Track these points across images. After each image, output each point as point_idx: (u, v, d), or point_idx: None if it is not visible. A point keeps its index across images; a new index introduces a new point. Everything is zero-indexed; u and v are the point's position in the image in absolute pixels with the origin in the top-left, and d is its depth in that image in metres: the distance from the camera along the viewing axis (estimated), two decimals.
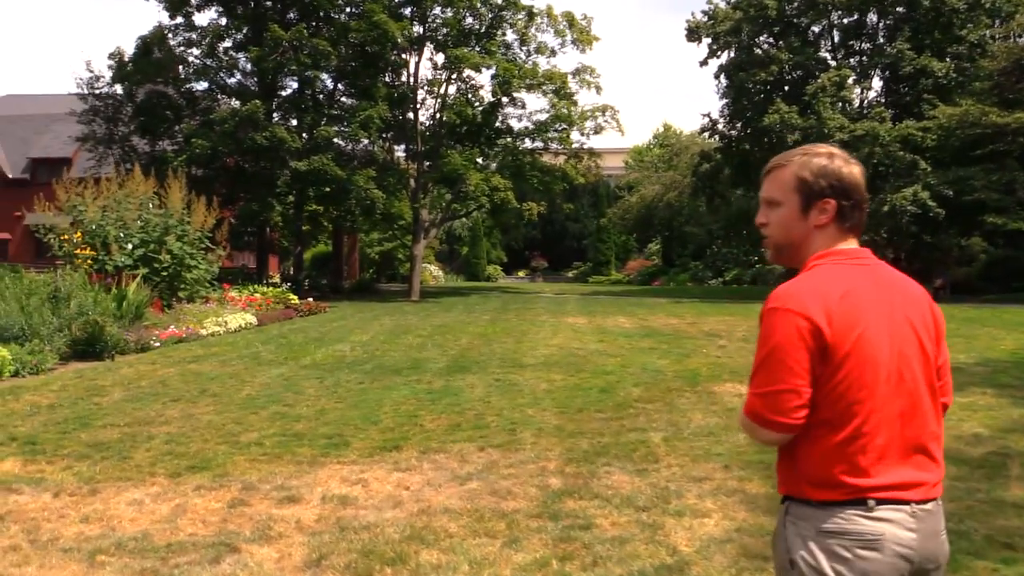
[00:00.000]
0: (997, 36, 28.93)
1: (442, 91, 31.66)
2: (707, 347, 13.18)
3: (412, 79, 31.48)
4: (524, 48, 32.18)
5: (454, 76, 31.37)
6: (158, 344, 13.15)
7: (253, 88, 28.86)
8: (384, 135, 31.34)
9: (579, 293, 33.93)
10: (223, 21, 29.19)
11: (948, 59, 28.13)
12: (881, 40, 30.24)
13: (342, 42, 27.99)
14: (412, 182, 31.10)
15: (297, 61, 26.76)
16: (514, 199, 30.78)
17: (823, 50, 31.59)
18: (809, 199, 1.99)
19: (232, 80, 29.77)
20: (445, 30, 30.48)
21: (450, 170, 28.93)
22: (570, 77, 31.92)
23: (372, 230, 39.89)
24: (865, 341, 1.87)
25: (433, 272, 47.05)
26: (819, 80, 27.78)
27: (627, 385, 9.44)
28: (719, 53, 32.02)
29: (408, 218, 33.04)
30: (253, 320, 17.17)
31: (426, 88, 31.95)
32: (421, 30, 30.90)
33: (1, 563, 4.21)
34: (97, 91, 28.43)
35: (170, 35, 28.67)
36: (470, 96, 31.73)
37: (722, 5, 31.78)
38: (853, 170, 2.01)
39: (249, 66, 28.64)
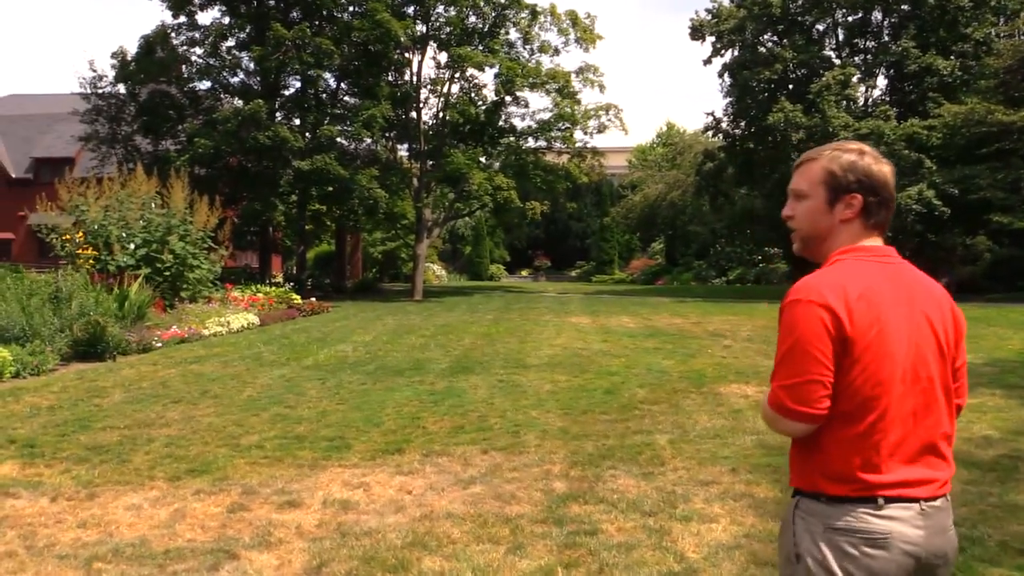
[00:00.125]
0: (1002, 34, 28.78)
1: (445, 90, 31.56)
2: (712, 347, 13.09)
3: (415, 78, 31.40)
4: (527, 47, 32.04)
5: (457, 75, 31.27)
6: (160, 344, 13.09)
7: (256, 87, 28.78)
8: (387, 134, 31.24)
9: (582, 292, 33.82)
10: (226, 20, 29.11)
11: (953, 57, 27.96)
12: (886, 38, 30.08)
13: (345, 41, 27.90)
14: (415, 181, 31.01)
15: (300, 60, 26.67)
16: (517, 198, 30.68)
17: (828, 48, 31.44)
18: (836, 193, 2.03)
19: (235, 79, 29.68)
20: (448, 29, 30.37)
21: (453, 169, 28.84)
22: (573, 76, 31.79)
23: (375, 229, 39.79)
24: (883, 337, 1.89)
25: (436, 271, 46.96)
26: (824, 78, 27.63)
27: (632, 386, 9.35)
28: (723, 51, 31.86)
29: (411, 217, 32.94)
30: (255, 320, 17.11)
31: (429, 87, 31.87)
32: (424, 29, 30.81)
33: None
34: (100, 91, 28.36)
35: (173, 34, 28.57)
36: (473, 95, 31.62)
37: (726, 3, 31.63)
38: (883, 168, 2.04)
39: (252, 65, 28.55)
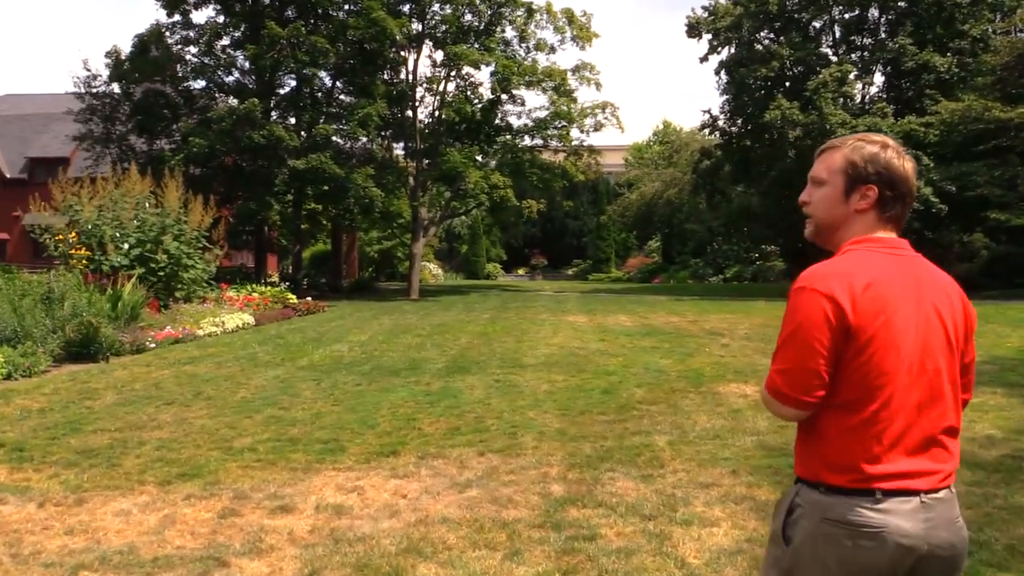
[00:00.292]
0: (999, 31, 28.71)
1: (441, 88, 31.50)
2: (710, 346, 13.00)
3: (411, 76, 31.30)
4: (523, 45, 31.99)
5: (453, 73, 31.20)
6: (154, 345, 12.98)
7: (251, 86, 28.63)
8: (383, 133, 31.12)
9: (579, 291, 33.73)
10: (220, 19, 28.96)
11: (950, 54, 27.86)
12: (883, 35, 30.01)
13: (340, 39, 27.77)
14: (411, 180, 30.91)
15: (294, 59, 26.53)
16: (513, 197, 30.60)
17: (824, 45, 31.34)
18: (854, 182, 2.04)
19: (230, 78, 29.54)
20: (444, 27, 30.29)
21: (449, 168, 28.74)
22: (569, 74, 31.72)
23: (371, 228, 39.69)
24: (889, 328, 1.90)
25: (432, 270, 46.85)
26: (820, 76, 27.53)
27: (630, 386, 9.26)
28: (719, 49, 31.77)
29: (407, 216, 32.84)
30: (251, 320, 17.00)
31: (425, 85, 31.79)
32: (420, 27, 30.72)
33: None
34: (94, 90, 28.19)
35: (167, 33, 28.43)
36: (469, 93, 31.54)
37: (723, 1, 31.54)
38: (905, 164, 2.05)
39: (247, 64, 28.43)
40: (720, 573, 4.02)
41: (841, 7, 30.10)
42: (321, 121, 27.75)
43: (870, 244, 2.01)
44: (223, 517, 4.90)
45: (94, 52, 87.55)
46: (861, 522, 1.87)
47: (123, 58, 27.70)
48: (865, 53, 30.45)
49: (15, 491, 5.41)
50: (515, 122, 32.67)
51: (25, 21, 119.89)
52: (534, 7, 31.11)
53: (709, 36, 31.50)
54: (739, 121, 31.95)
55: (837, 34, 31.33)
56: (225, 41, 29.21)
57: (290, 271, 32.49)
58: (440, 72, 31.39)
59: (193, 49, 29.08)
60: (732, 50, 31.57)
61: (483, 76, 60.07)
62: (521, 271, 54.20)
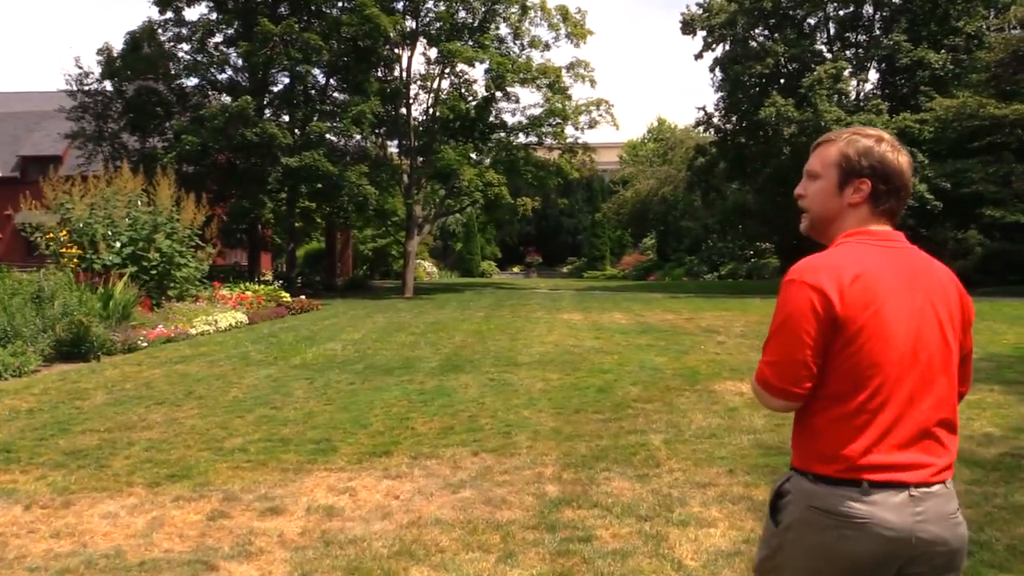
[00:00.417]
0: (993, 27, 28.68)
1: (435, 86, 31.38)
2: (705, 344, 12.94)
3: (405, 74, 31.18)
4: (518, 42, 31.86)
5: (447, 71, 31.07)
6: (145, 344, 12.88)
7: (244, 84, 28.51)
8: (377, 130, 31.00)
9: (574, 289, 33.65)
10: (213, 16, 28.81)
11: (945, 51, 27.86)
12: (877, 32, 30.00)
13: (334, 36, 27.65)
14: (405, 178, 30.81)
15: (287, 56, 26.39)
16: (508, 194, 30.49)
17: (819, 42, 31.34)
18: (847, 176, 2.04)
19: (223, 76, 29.42)
20: (438, 24, 30.17)
21: (443, 165, 28.63)
22: (564, 71, 31.58)
23: (365, 227, 39.57)
24: (879, 319, 1.90)
25: (427, 268, 46.74)
26: (815, 73, 27.50)
27: (625, 384, 9.19)
28: (714, 46, 31.73)
29: (401, 214, 32.73)
30: (244, 319, 16.89)
31: (419, 83, 31.67)
32: (414, 24, 30.60)
33: None
34: (86, 87, 28.03)
35: (160, 31, 28.25)
36: (463, 91, 31.43)
37: None
38: (899, 158, 2.05)
39: (240, 61, 28.29)
40: (718, 575, 3.95)
41: (836, 4, 30.13)
42: (315, 119, 27.63)
43: (862, 237, 2.01)
44: (212, 519, 4.82)
45: (86, 50, 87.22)
46: (846, 512, 1.87)
47: (115, 55, 27.51)
48: (860, 50, 30.45)
49: (1, 493, 5.32)
50: (509, 119, 32.60)
51: (16, 19, 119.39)
52: (528, 4, 30.99)
53: (704, 33, 31.47)
54: (734, 118, 31.93)
55: (832, 31, 31.32)
56: (218, 38, 29.07)
57: (284, 269, 32.36)
58: (434, 69, 31.32)
59: (186, 46, 28.95)
60: (727, 47, 31.54)
61: (477, 73, 60.04)
62: (516, 269, 54.13)
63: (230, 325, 15.96)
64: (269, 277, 29.61)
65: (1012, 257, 28.29)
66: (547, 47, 32.22)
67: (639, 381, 9.38)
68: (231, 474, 5.74)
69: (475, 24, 30.85)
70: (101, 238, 15.56)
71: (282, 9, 28.70)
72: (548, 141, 32.63)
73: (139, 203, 16.87)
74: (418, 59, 40.22)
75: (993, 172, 24.41)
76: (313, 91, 29.76)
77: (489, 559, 4.16)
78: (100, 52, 27.69)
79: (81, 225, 15.76)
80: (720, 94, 32.31)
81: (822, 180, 2.08)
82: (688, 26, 31.75)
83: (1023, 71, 25.12)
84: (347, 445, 6.52)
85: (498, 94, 31.23)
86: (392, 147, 33.29)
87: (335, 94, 30.55)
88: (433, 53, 30.85)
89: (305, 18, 28.60)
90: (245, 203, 26.44)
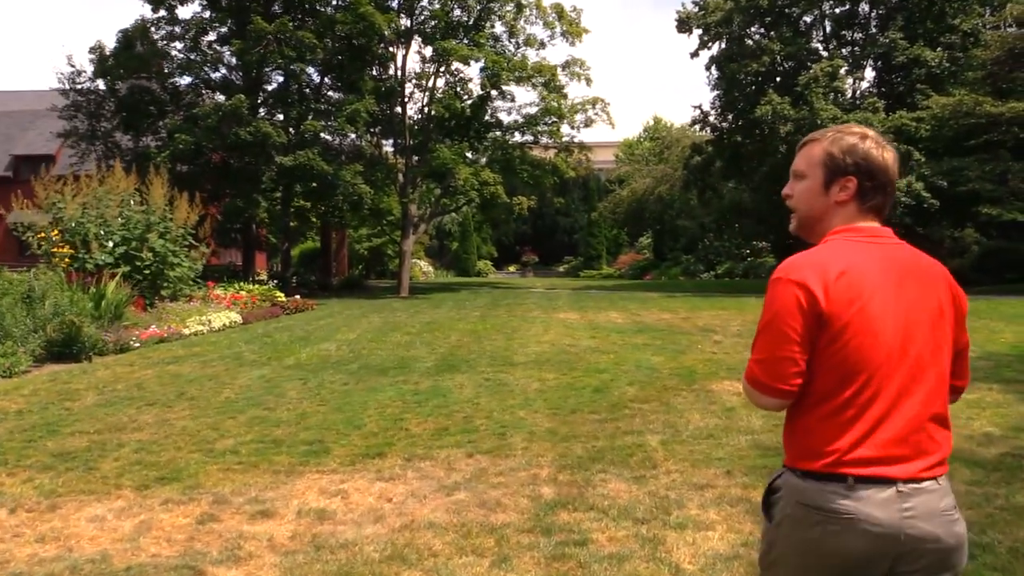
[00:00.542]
0: (989, 25, 28.64)
1: (430, 84, 31.27)
2: (702, 343, 12.86)
3: (400, 72, 31.07)
4: (513, 40, 31.75)
5: (442, 69, 30.96)
6: (138, 344, 12.78)
7: (238, 82, 28.36)
8: (372, 129, 30.90)
9: (570, 288, 33.59)
10: (207, 14, 28.65)
11: (941, 48, 27.83)
12: (873, 30, 29.95)
13: (328, 35, 27.51)
14: (400, 177, 30.70)
15: (281, 54, 26.26)
16: (504, 193, 30.39)
17: (815, 40, 31.29)
18: (833, 174, 2.05)
19: (217, 75, 29.26)
20: (433, 22, 30.06)
21: (439, 164, 28.53)
22: (560, 70, 31.50)
23: (361, 226, 39.45)
24: (864, 315, 1.90)
25: (423, 268, 46.64)
26: (811, 71, 27.46)
27: (621, 384, 9.11)
28: (710, 44, 31.67)
29: (397, 213, 32.61)
30: (238, 318, 16.79)
31: (414, 82, 31.55)
32: (408, 22, 30.50)
33: None
34: (79, 86, 27.86)
35: (153, 29, 28.11)
36: (459, 89, 31.31)
37: None
38: (884, 154, 2.04)
39: (234, 60, 28.15)
40: None
41: (832, 1, 30.11)
42: (309, 117, 27.50)
43: (849, 233, 2.02)
44: (201, 523, 4.73)
45: (79, 48, 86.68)
46: (832, 508, 1.87)
47: (107, 54, 27.35)
48: (856, 48, 30.41)
49: None
50: (505, 118, 32.51)
51: (9, 17, 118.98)
52: (523, 2, 30.86)
53: (699, 31, 31.41)
54: (730, 117, 31.87)
55: (828, 29, 31.28)
56: (211, 37, 28.90)
57: (279, 269, 32.24)
58: (429, 68, 31.22)
59: (179, 45, 28.76)
60: (723, 45, 31.49)
61: (472, 72, 59.66)
62: (512, 268, 54.04)
63: (224, 325, 15.86)
64: (264, 277, 29.49)
65: (1009, 255, 28.27)
66: (542, 45, 32.14)
67: (636, 381, 9.31)
68: (221, 476, 5.65)
69: (470, 22, 30.74)
70: (93, 237, 15.44)
71: (276, 7, 28.56)
72: (544, 140, 32.55)
73: (132, 202, 16.75)
74: (413, 57, 40.25)
75: (990, 170, 24.38)
76: (307, 90, 29.62)
77: (483, 564, 4.08)
78: (92, 50, 27.50)
79: (73, 224, 15.64)
80: (716, 92, 32.27)
81: (808, 179, 2.10)
82: (684, 24, 31.69)
83: (1019, 69, 25.10)
84: (340, 447, 6.44)
85: (493, 92, 31.14)
86: (387, 146, 33.17)
87: (329, 93, 30.42)
88: (428, 51, 30.80)
89: (299, 16, 28.48)
90: (239, 202, 26.31)
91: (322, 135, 28.15)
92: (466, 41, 29.93)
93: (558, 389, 8.89)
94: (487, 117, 31.88)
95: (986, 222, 26.62)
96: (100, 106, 28.03)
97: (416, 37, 30.79)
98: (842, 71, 28.45)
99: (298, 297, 22.06)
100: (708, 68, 32.28)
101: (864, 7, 30.27)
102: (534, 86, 31.42)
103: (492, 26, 31.35)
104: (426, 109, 31.21)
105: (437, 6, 29.85)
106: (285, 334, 14.93)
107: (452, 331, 15.30)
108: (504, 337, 14.15)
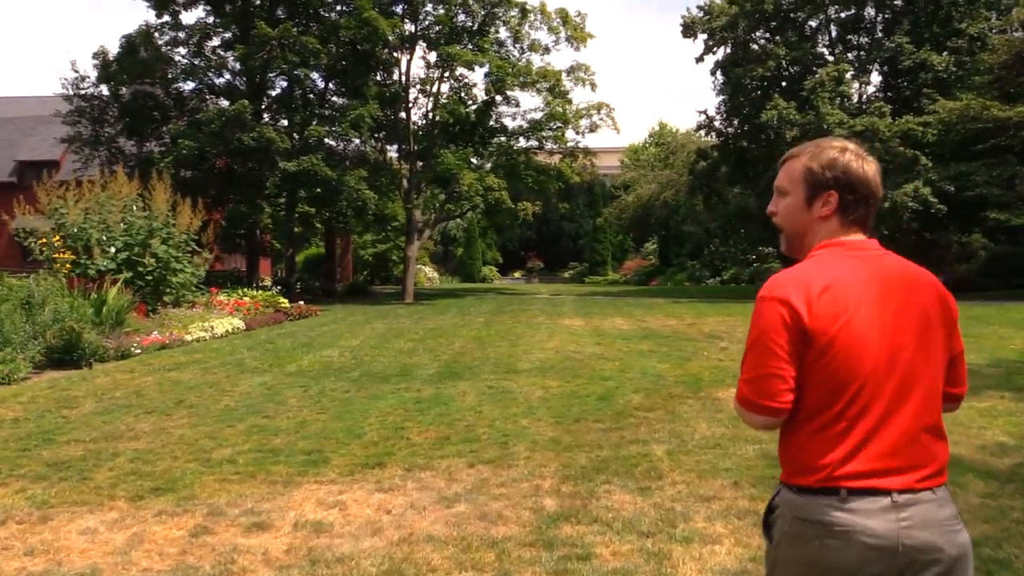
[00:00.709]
0: (996, 29, 28.49)
1: (435, 90, 31.17)
2: (708, 349, 12.73)
3: (404, 78, 30.98)
4: (517, 46, 31.65)
5: (447, 74, 30.88)
6: (139, 351, 12.68)
7: (241, 88, 28.33)
8: (376, 135, 30.82)
9: (576, 294, 33.47)
10: (210, 19, 28.64)
11: (948, 53, 27.64)
12: (879, 34, 29.79)
13: (332, 40, 27.47)
14: (405, 182, 30.62)
15: (284, 59, 26.22)
16: (509, 199, 30.25)
17: (821, 45, 31.14)
18: (814, 190, 2.04)
19: (220, 80, 29.22)
20: (437, 27, 29.99)
21: (443, 170, 28.43)
22: (564, 75, 31.39)
23: (365, 232, 39.37)
24: (850, 329, 1.89)
25: (428, 273, 46.54)
26: (817, 75, 27.32)
27: (626, 392, 8.98)
28: (715, 49, 31.52)
29: (401, 219, 32.52)
30: (241, 325, 16.70)
31: (418, 87, 31.47)
32: (413, 28, 30.42)
33: None
34: (82, 92, 27.84)
35: (156, 34, 28.09)
36: (463, 95, 31.21)
37: (718, 0, 31.31)
38: (864, 166, 2.04)
39: (237, 65, 28.11)
40: None
41: (837, 6, 29.89)
42: (313, 123, 27.45)
43: (833, 248, 2.02)
44: (195, 535, 4.62)
45: (83, 54, 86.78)
46: (828, 521, 1.86)
47: (111, 59, 27.35)
48: (862, 52, 30.24)
49: None
50: (510, 123, 32.40)
51: (13, 23, 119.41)
52: (528, 7, 30.83)
53: (704, 36, 31.28)
54: (735, 122, 31.72)
55: (833, 33, 31.12)
56: (215, 42, 28.90)
57: (283, 275, 32.17)
58: (434, 73, 31.11)
59: (182, 50, 28.76)
60: (728, 50, 31.35)
61: (477, 77, 59.88)
62: (517, 274, 53.91)
63: (227, 331, 15.77)
64: (268, 283, 29.41)
65: (1017, 260, 28.11)
66: (547, 51, 32.09)
67: (641, 388, 9.18)
68: (217, 487, 5.54)
69: (475, 27, 30.67)
70: (96, 243, 15.37)
71: (279, 12, 28.54)
72: (549, 145, 32.43)
73: (135, 208, 16.69)
74: (417, 63, 40.11)
75: (997, 175, 24.20)
76: (311, 95, 29.58)
77: None
78: (96, 56, 27.51)
79: (75, 230, 15.57)
80: (721, 97, 32.11)
81: (791, 196, 2.10)
82: (689, 29, 31.57)
83: None
84: (339, 456, 6.32)
85: (498, 98, 31.04)
86: (391, 151, 33.09)
87: (333, 98, 30.35)
88: (432, 57, 30.68)
89: (303, 21, 28.44)
90: (242, 208, 26.24)
91: (326, 140, 28.08)
92: (470, 46, 29.85)
93: (562, 397, 8.76)
94: (492, 122, 31.78)
95: (994, 227, 26.47)
96: (104, 111, 28.00)
97: (420, 42, 30.72)
98: (848, 75, 28.30)
99: (302, 303, 21.98)
100: (713, 73, 32.17)
101: (870, 11, 30.09)
102: (539, 91, 31.33)
103: (496, 31, 31.29)
104: (430, 114, 31.13)
105: (441, 11, 29.78)
106: (287, 340, 14.83)
107: (456, 337, 15.19)
108: (508, 344, 14.03)
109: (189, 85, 29.10)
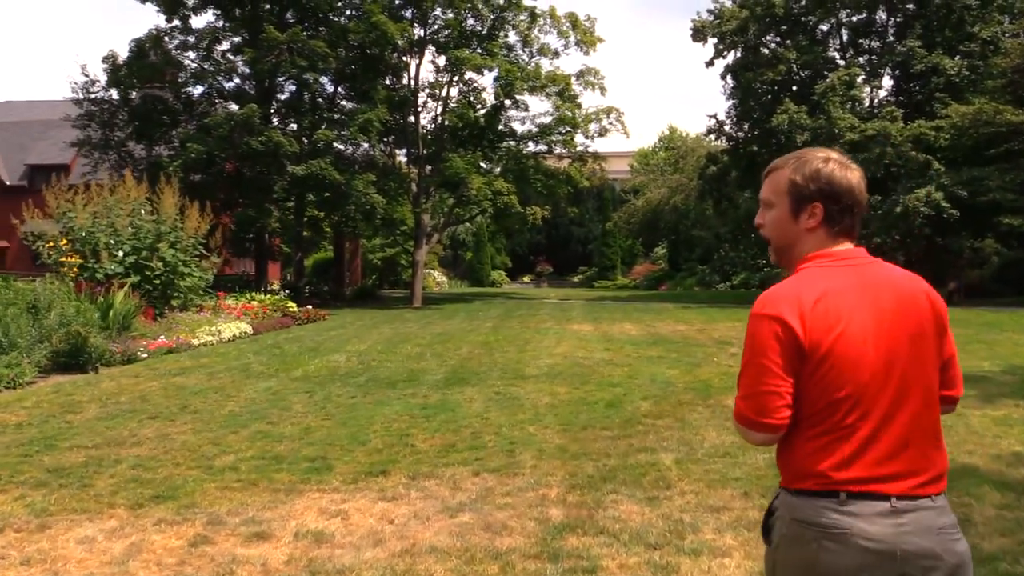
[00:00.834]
0: (1009, 33, 28.26)
1: (444, 94, 31.15)
2: (718, 355, 12.61)
3: (413, 82, 30.96)
4: (527, 50, 31.62)
5: (456, 78, 30.85)
6: (146, 355, 12.64)
7: (250, 92, 28.36)
8: (385, 139, 30.80)
9: (585, 298, 33.35)
10: (220, 24, 28.69)
11: (960, 57, 27.45)
12: (891, 38, 29.59)
13: (341, 44, 27.47)
14: (414, 186, 30.58)
15: (293, 63, 26.22)
16: (518, 203, 30.18)
17: (832, 49, 30.96)
18: (799, 202, 2.05)
19: (229, 84, 29.29)
20: (446, 32, 29.99)
21: (452, 174, 28.38)
22: (574, 79, 31.33)
23: (374, 236, 39.36)
24: (844, 340, 1.90)
25: (436, 278, 46.49)
26: (828, 79, 27.15)
27: (635, 398, 8.87)
28: (725, 53, 31.39)
29: (410, 223, 32.49)
30: (248, 329, 16.65)
31: (427, 91, 31.44)
32: (422, 32, 30.41)
33: None
34: (92, 96, 27.90)
35: (166, 38, 28.16)
36: (472, 99, 31.17)
37: (728, 4, 31.18)
38: (847, 175, 2.04)
39: (247, 69, 28.14)
40: None
41: (848, 10, 29.70)
42: (322, 127, 27.44)
43: (822, 260, 2.02)
44: (194, 545, 4.53)
45: (92, 58, 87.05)
46: (826, 523, 1.87)
47: (120, 63, 27.42)
48: (873, 56, 30.06)
49: None
50: (519, 128, 32.40)
51: (26, 27, 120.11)
52: (537, 12, 30.79)
53: (715, 40, 31.15)
54: (746, 126, 31.58)
55: (844, 37, 30.95)
56: (224, 46, 28.96)
57: (291, 279, 32.16)
58: (443, 77, 31.10)
59: (192, 54, 28.84)
60: (738, 54, 31.21)
61: (486, 81, 59.46)
62: (526, 278, 53.81)
63: (234, 336, 15.72)
64: (277, 287, 29.39)
65: None
66: (556, 55, 32.03)
67: (649, 395, 9.07)
68: (219, 495, 5.45)
69: (484, 32, 30.63)
70: (103, 247, 15.34)
71: (288, 16, 28.56)
72: (558, 149, 32.38)
73: (143, 212, 16.66)
74: (426, 67, 40.20)
75: (1010, 180, 23.97)
76: (320, 99, 29.60)
77: None
78: (106, 60, 27.58)
79: (83, 234, 15.55)
80: (731, 102, 31.97)
81: (776, 208, 2.10)
82: (699, 33, 31.44)
83: None
84: (343, 463, 6.23)
85: (507, 102, 31.00)
86: (400, 156, 33.07)
87: (342, 102, 30.38)
88: (441, 61, 30.68)
89: (312, 26, 28.47)
90: (251, 212, 26.25)
91: (335, 144, 28.07)
92: (480, 51, 29.81)
93: (570, 404, 8.67)
94: (501, 126, 31.75)
95: (1007, 232, 26.23)
96: (113, 115, 28.07)
97: (429, 46, 30.71)
98: (859, 80, 28.12)
99: (310, 307, 21.92)
100: (723, 77, 32.03)
101: (881, 15, 29.90)
102: (548, 95, 31.27)
103: (506, 35, 31.25)
104: (439, 118, 31.11)
105: (450, 15, 29.75)
106: (294, 345, 14.77)
107: (463, 343, 15.10)
108: (516, 349, 13.93)
109: (198, 89, 29.20)
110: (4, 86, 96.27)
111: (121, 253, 15.53)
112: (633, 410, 8.22)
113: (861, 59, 30.06)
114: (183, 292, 16.62)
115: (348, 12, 28.98)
